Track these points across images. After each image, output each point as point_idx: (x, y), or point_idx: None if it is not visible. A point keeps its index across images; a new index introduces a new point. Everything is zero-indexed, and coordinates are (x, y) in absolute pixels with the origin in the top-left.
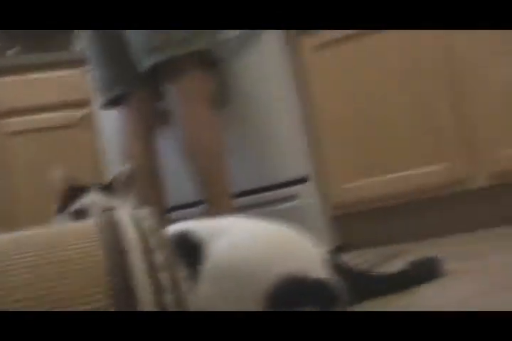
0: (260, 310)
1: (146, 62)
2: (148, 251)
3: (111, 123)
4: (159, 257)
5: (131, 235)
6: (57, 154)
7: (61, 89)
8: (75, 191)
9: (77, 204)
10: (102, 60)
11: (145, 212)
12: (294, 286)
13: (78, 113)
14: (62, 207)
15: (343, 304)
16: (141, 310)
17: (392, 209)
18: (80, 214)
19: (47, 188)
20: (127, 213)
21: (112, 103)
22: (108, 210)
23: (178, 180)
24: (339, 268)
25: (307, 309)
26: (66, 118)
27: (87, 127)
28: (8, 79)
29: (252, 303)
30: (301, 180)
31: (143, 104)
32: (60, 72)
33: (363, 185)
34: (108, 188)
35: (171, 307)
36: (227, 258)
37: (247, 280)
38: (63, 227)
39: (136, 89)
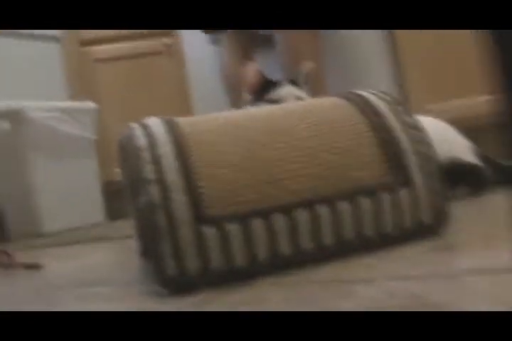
0: None
1: None
2: (407, 129)
3: (197, 51)
4: (416, 133)
5: (389, 115)
6: (143, 81)
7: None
8: (268, 84)
9: (274, 94)
10: None
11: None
12: (455, 167)
13: (164, 41)
14: (257, 98)
15: (488, 188)
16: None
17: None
18: (275, 103)
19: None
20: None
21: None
22: (299, 99)
23: None
24: (483, 158)
25: (461, 189)
26: (152, 46)
27: (174, 54)
28: None
29: None
30: None
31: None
32: None
33: (444, 106)
34: (295, 82)
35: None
36: None
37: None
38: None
39: None
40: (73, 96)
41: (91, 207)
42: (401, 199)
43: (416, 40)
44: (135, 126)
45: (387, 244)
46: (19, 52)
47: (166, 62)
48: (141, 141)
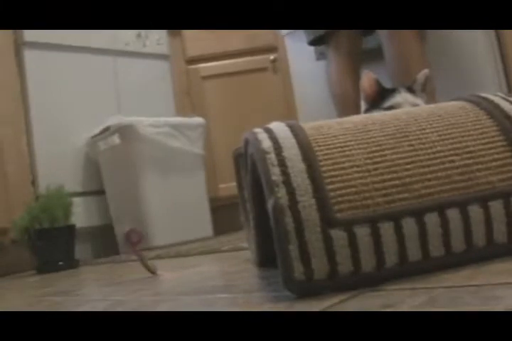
0: None
1: None
2: None
3: (302, 66)
4: None
5: None
6: (249, 97)
7: (249, 36)
8: (384, 91)
9: (391, 102)
10: None
11: None
12: None
13: (268, 57)
14: (373, 106)
15: None
16: None
17: None
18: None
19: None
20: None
21: (319, 41)
22: (416, 106)
23: None
24: None
25: None
26: (257, 62)
27: (279, 70)
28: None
29: None
30: None
31: (350, 40)
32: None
33: None
34: (411, 89)
35: None
36: None
37: None
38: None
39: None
40: (182, 112)
41: (199, 221)
42: None
43: None
44: (258, 130)
45: None
46: (131, 70)
47: (272, 78)
48: (266, 143)
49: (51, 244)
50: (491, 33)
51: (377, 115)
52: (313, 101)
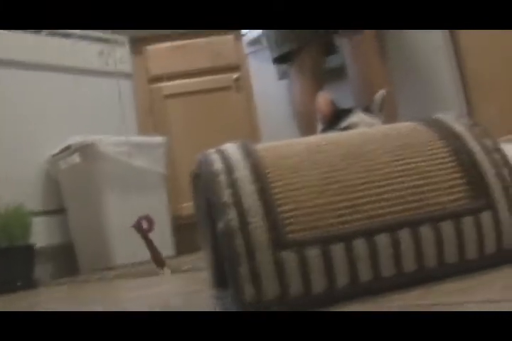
0: None
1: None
2: (488, 152)
3: (265, 85)
4: (498, 157)
5: (469, 139)
6: (212, 116)
7: (212, 55)
8: (340, 112)
9: (347, 122)
10: None
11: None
12: None
13: (231, 76)
14: (329, 126)
15: None
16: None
17: None
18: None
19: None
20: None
21: (283, 59)
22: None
23: None
24: None
25: None
26: (220, 81)
27: (242, 89)
28: (162, 45)
29: None
30: None
31: (314, 59)
32: (212, 38)
33: None
34: (368, 109)
35: None
36: None
37: None
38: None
39: (308, 45)
40: (144, 131)
41: (161, 240)
42: (483, 223)
43: (484, 65)
44: (210, 151)
45: (468, 270)
46: (93, 88)
47: (235, 97)
48: (218, 165)
49: (9, 264)
50: (451, 48)
51: (331, 135)
52: (275, 120)
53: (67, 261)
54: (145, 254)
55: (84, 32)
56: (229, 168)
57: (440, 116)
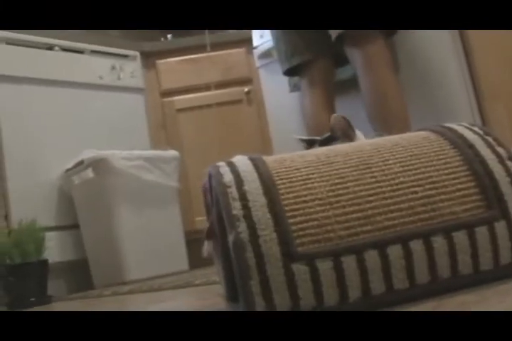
0: None
1: (333, 32)
2: (501, 161)
3: (277, 98)
4: (511, 165)
5: (482, 148)
6: (224, 129)
7: (224, 68)
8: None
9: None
10: (287, 29)
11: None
12: None
13: (243, 89)
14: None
15: None
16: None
17: None
18: None
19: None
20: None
21: (293, 71)
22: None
23: None
24: None
25: None
26: (232, 94)
27: (254, 102)
28: (173, 60)
29: None
30: None
31: (324, 72)
32: (223, 51)
33: None
34: (329, 139)
35: None
36: None
37: None
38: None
39: (319, 57)
40: (157, 145)
41: (174, 255)
42: (498, 233)
43: (497, 73)
44: (220, 164)
45: (482, 281)
46: (105, 103)
47: (247, 110)
48: (228, 177)
49: (22, 280)
50: (463, 59)
51: (340, 147)
52: (287, 133)
53: (80, 276)
54: (159, 268)
55: (96, 47)
56: (239, 181)
57: (452, 124)
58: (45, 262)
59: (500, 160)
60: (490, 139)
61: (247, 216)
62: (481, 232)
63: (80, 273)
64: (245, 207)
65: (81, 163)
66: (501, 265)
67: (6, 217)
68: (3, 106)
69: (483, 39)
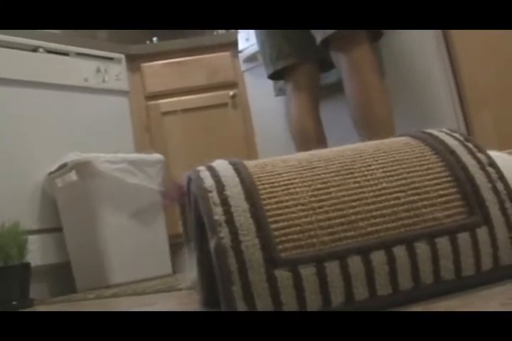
0: None
1: (318, 36)
2: (483, 167)
3: (262, 102)
4: (492, 171)
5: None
6: (209, 133)
7: (209, 72)
8: None
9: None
10: (272, 33)
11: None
12: None
13: (228, 93)
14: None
15: None
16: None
17: None
18: None
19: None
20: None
21: (278, 75)
22: None
23: None
24: None
25: None
26: (217, 97)
27: (239, 106)
28: (159, 63)
29: None
30: None
31: (309, 76)
32: (209, 55)
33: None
34: None
35: None
36: None
37: None
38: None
39: (304, 61)
40: (141, 148)
41: (158, 258)
42: (480, 239)
43: (481, 76)
44: (201, 168)
45: (465, 287)
46: (90, 106)
47: (232, 114)
48: (208, 182)
49: (4, 283)
50: (447, 63)
51: (322, 151)
52: (272, 137)
53: (63, 279)
54: (143, 272)
55: (82, 49)
56: (220, 185)
57: (432, 130)
58: (27, 265)
59: (481, 166)
60: (470, 145)
61: (229, 221)
62: (463, 238)
63: (62, 277)
64: (227, 212)
65: (64, 165)
66: (484, 271)
67: None
68: None
69: (468, 42)
